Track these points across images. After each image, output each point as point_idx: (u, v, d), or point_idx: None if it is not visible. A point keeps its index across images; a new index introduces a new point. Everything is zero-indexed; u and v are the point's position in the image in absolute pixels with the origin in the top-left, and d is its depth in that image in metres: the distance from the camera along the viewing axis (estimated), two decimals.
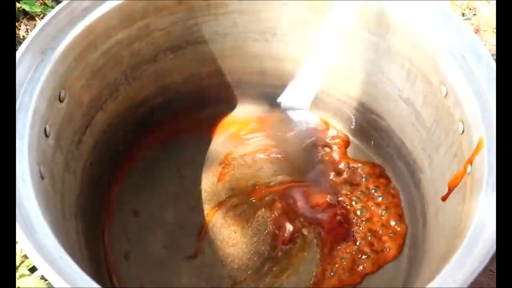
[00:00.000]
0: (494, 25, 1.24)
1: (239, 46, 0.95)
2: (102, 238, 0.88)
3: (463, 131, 0.70)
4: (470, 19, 1.23)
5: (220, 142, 1.01)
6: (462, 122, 0.70)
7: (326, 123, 1.02)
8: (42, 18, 1.25)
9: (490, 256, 0.55)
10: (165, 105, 0.98)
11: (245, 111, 1.04)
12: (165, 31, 0.86)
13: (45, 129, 0.68)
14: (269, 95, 1.03)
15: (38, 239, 0.54)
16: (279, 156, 0.99)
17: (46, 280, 0.90)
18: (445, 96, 0.73)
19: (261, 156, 0.99)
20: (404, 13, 0.76)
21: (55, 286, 0.51)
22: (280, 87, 1.02)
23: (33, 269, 0.91)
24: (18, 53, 0.67)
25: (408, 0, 0.75)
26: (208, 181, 0.96)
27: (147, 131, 0.99)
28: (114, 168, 0.94)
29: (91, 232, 0.83)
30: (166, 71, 0.93)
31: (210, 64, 0.97)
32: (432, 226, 0.79)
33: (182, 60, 0.93)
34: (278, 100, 1.03)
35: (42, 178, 0.64)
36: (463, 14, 1.23)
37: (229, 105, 1.05)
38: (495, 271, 0.93)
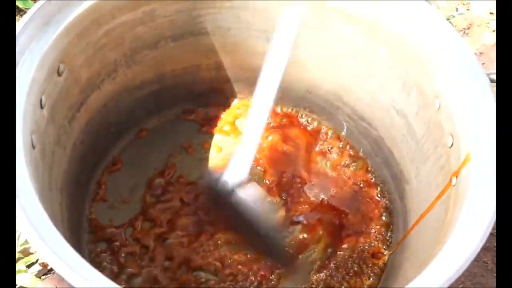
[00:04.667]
0: (488, 20, 1.25)
1: (240, 42, 0.96)
2: (85, 217, 0.88)
3: (452, 145, 0.71)
4: (464, 14, 1.24)
5: (213, 135, 1.01)
6: (452, 136, 0.71)
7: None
8: None
9: (466, 266, 0.56)
10: (162, 93, 0.98)
11: (242, 108, 1.04)
12: (169, 19, 0.87)
13: (41, 100, 0.68)
14: None
15: (23, 204, 0.54)
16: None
17: (40, 277, 0.91)
18: (438, 109, 0.75)
19: None
20: (401, 24, 0.78)
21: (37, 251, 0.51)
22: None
23: (30, 266, 0.91)
24: (22, 22, 0.67)
25: (405, 11, 0.77)
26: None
27: (141, 116, 0.99)
28: (104, 149, 0.94)
29: (74, 209, 0.83)
30: (166, 59, 0.94)
31: (210, 57, 0.98)
32: (412, 236, 0.80)
33: (183, 50, 0.94)
34: None
35: (33, 147, 0.64)
36: (456, 9, 1.25)
37: (226, 100, 1.05)
38: (488, 262, 0.95)
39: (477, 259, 0.92)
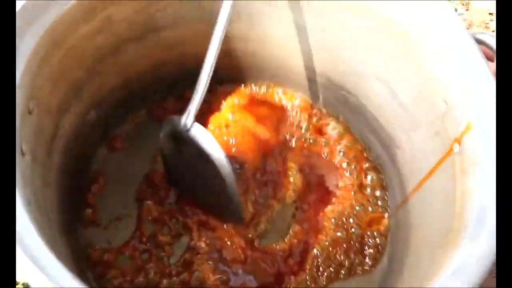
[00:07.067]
0: (487, 21, 1.25)
1: (204, 30, 0.90)
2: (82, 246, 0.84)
3: (446, 111, 0.71)
4: (463, 14, 1.24)
5: None
6: (446, 103, 0.71)
7: None
8: None
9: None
10: (129, 97, 0.92)
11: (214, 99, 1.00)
12: (127, 21, 0.80)
13: (21, 149, 0.61)
14: (237, 78, 1.01)
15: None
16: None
17: None
18: (427, 76, 0.74)
19: None
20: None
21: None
22: (248, 68, 1.00)
23: None
24: None
25: None
26: None
27: (113, 127, 0.94)
28: (84, 172, 0.88)
29: (73, 243, 0.78)
30: (128, 62, 0.87)
31: (173, 50, 0.92)
32: (415, 202, 0.82)
33: (144, 49, 0.88)
34: None
35: (29, 204, 0.59)
36: (455, 10, 1.24)
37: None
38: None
39: None
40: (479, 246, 0.58)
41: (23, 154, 0.62)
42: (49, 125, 0.72)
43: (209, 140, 0.79)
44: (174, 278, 0.82)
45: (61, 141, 0.78)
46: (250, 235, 0.88)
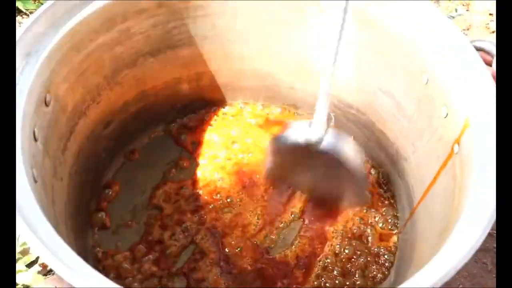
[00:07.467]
0: (487, 21, 1.27)
1: (218, 49, 0.96)
2: (90, 247, 0.85)
3: (447, 115, 0.72)
4: (463, 15, 1.26)
5: (203, 143, 1.01)
6: (446, 106, 0.72)
7: None
8: None
9: (487, 232, 0.57)
10: (146, 110, 0.97)
11: (225, 117, 1.05)
12: (145, 35, 0.86)
13: (34, 133, 0.66)
14: (247, 96, 1.04)
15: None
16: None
17: (44, 275, 0.89)
18: (426, 83, 0.76)
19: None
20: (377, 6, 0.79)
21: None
22: (258, 89, 1.04)
23: (30, 265, 0.90)
24: None
25: None
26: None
27: (128, 138, 0.97)
28: (98, 176, 0.92)
29: (80, 241, 0.80)
30: (147, 76, 0.92)
31: (190, 68, 0.97)
32: (420, 211, 0.81)
33: (162, 64, 0.93)
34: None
35: (35, 181, 0.62)
36: (456, 10, 1.26)
37: (209, 109, 1.05)
38: (488, 263, 0.95)
39: (477, 260, 0.90)
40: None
41: (35, 139, 0.66)
42: (64, 123, 0.77)
43: (347, 149, 0.81)
44: (178, 281, 0.83)
45: (76, 142, 0.82)
46: (258, 244, 0.88)
